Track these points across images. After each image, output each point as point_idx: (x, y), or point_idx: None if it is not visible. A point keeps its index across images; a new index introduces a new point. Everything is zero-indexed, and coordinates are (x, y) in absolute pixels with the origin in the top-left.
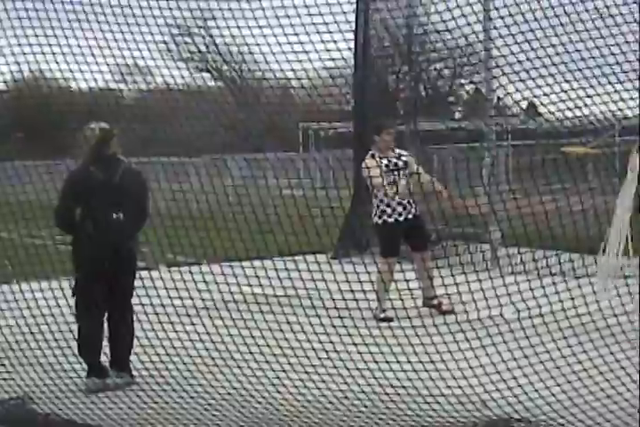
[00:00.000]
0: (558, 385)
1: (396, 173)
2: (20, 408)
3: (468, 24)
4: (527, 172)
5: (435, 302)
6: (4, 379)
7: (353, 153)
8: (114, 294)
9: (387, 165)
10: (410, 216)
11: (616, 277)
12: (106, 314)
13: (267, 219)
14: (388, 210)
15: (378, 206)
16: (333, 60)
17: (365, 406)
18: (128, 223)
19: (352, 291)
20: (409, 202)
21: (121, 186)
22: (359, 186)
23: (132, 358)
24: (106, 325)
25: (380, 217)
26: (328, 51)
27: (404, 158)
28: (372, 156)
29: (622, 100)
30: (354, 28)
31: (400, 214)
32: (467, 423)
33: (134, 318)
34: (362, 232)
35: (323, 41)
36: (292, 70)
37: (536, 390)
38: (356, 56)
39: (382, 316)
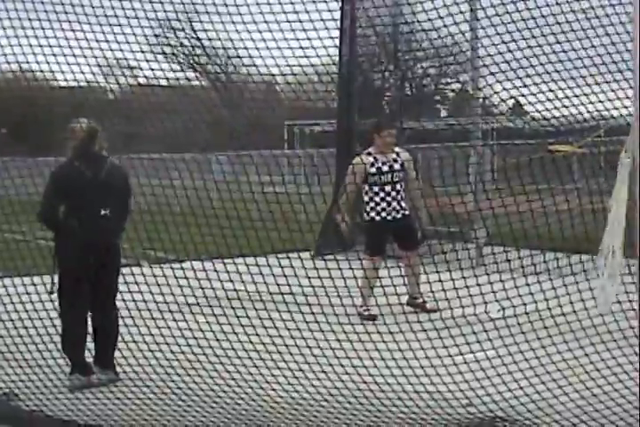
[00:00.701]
0: (543, 383)
1: (388, 174)
2: (4, 405)
3: (455, 23)
4: (513, 170)
5: (420, 300)
6: None
7: (336, 151)
8: (98, 291)
9: (378, 168)
10: (399, 216)
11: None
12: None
13: (249, 216)
14: (377, 208)
15: (367, 203)
16: (319, 57)
17: (349, 403)
18: (116, 220)
19: (335, 288)
20: (398, 202)
21: (107, 182)
22: (341, 183)
23: (116, 354)
24: (89, 321)
25: (367, 214)
26: (314, 48)
27: (402, 157)
28: (367, 154)
29: (609, 99)
30: (339, 25)
31: (389, 213)
32: (450, 421)
33: (118, 314)
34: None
35: (308, 38)
36: (277, 66)
37: (521, 388)
38: (342, 54)
39: (366, 313)
